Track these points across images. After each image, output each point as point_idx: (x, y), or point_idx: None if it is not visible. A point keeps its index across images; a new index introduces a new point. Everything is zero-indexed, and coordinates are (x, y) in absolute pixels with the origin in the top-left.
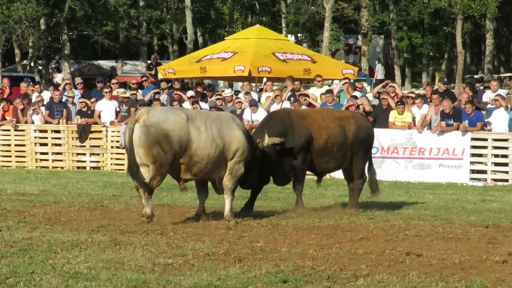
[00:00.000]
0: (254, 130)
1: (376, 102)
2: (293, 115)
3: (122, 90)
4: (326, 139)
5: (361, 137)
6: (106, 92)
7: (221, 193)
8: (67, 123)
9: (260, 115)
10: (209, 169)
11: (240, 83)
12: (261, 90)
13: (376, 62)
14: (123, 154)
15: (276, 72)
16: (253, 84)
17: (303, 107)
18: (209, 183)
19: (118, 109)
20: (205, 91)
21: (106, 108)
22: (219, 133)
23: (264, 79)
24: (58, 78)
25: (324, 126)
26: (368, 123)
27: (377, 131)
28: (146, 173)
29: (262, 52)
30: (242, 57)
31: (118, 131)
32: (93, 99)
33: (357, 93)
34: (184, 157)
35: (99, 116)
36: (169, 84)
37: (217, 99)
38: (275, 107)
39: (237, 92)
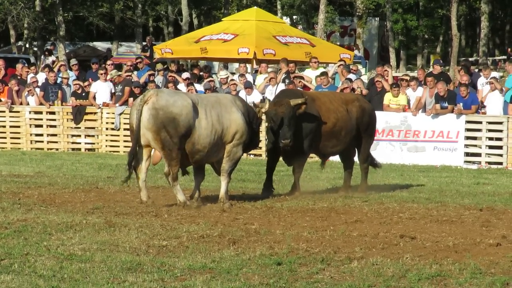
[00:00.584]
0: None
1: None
2: (308, 98)
3: (115, 71)
4: (334, 122)
5: (366, 120)
6: (101, 74)
7: (218, 174)
8: (62, 105)
9: (254, 98)
10: (209, 155)
11: (235, 65)
12: (256, 72)
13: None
14: (118, 136)
15: (280, 54)
16: (248, 66)
17: (298, 89)
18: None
19: (113, 91)
20: (201, 73)
21: (101, 89)
22: (218, 119)
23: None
24: (48, 61)
25: (333, 109)
26: (370, 106)
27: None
28: (146, 154)
29: (264, 35)
30: (244, 39)
31: (113, 113)
32: (87, 83)
33: (351, 76)
34: (187, 144)
35: (94, 98)
36: (165, 66)
37: (211, 81)
38: (270, 89)
39: (232, 74)
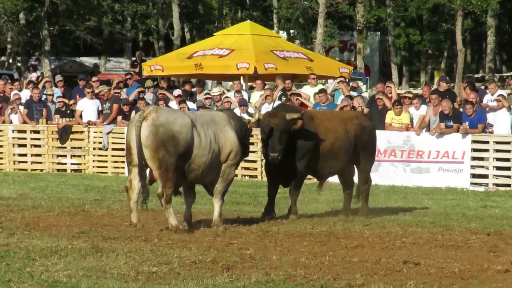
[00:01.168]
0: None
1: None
2: (306, 118)
3: (103, 86)
4: (333, 142)
5: (365, 138)
6: (88, 92)
7: (211, 194)
8: (47, 123)
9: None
10: (204, 175)
11: (229, 83)
12: (251, 88)
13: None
14: (106, 156)
15: (281, 69)
16: (243, 84)
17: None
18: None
19: (100, 108)
20: (193, 89)
21: (87, 107)
22: (215, 137)
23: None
24: (33, 77)
25: (331, 129)
26: (371, 124)
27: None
28: (140, 173)
29: (262, 49)
30: (242, 54)
31: (101, 132)
32: (73, 100)
33: (352, 93)
34: (183, 161)
35: (81, 116)
36: (155, 83)
37: (206, 98)
38: (266, 107)
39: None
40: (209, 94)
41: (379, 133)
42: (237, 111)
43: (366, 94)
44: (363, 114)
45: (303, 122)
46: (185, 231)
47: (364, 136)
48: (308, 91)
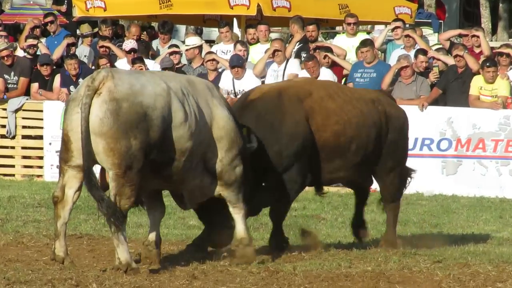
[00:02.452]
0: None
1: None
2: (285, 97)
3: (3, 44)
4: (337, 130)
5: (393, 137)
6: None
7: (187, 208)
8: None
9: (247, 83)
10: (186, 172)
11: (214, 30)
12: (250, 42)
13: None
14: (12, 148)
15: (298, 9)
16: (237, 30)
17: (323, 70)
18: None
19: None
20: (154, 40)
21: None
22: (199, 111)
23: None
24: None
25: (334, 110)
26: (401, 111)
27: (449, 112)
28: (78, 179)
29: None
30: None
31: (4, 110)
32: None
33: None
34: (157, 152)
35: None
36: (94, 30)
37: (172, 53)
38: (274, 69)
39: (209, 44)
40: (177, 47)
41: (459, 112)
42: (227, 74)
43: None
44: (390, 94)
45: (286, 107)
46: (139, 270)
47: (391, 133)
48: (344, 43)
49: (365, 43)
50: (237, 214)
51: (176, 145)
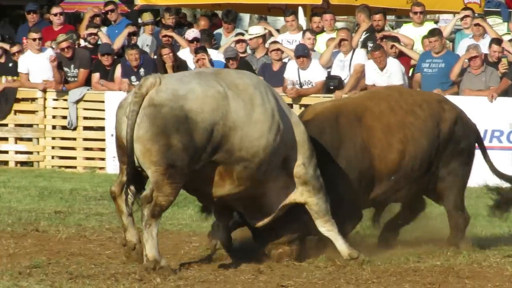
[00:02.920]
0: None
1: None
2: (344, 121)
3: (62, 35)
4: (401, 149)
5: (460, 146)
6: (35, 39)
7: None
8: None
9: (313, 73)
10: (263, 173)
11: (279, 19)
12: (313, 31)
13: None
14: (74, 140)
15: None
16: (302, 20)
17: (390, 60)
18: None
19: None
20: (218, 30)
21: (35, 65)
22: (279, 108)
23: None
24: None
25: (396, 125)
26: (466, 116)
27: None
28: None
29: None
30: None
31: (65, 100)
32: (16, 47)
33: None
34: (219, 152)
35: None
36: (156, 18)
37: (238, 42)
38: (340, 59)
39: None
40: (242, 35)
41: None
42: (292, 65)
43: (507, 38)
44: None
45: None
46: (169, 269)
47: (457, 142)
48: (411, 32)
49: (434, 32)
50: (331, 231)
51: (243, 144)
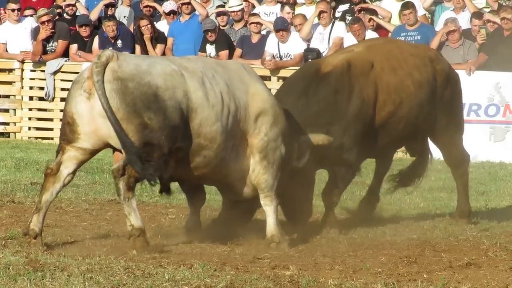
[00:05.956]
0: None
1: None
2: (354, 70)
3: (44, 10)
4: (391, 111)
5: (450, 95)
6: (13, 10)
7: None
8: None
9: (292, 46)
10: (221, 159)
11: None
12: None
13: None
14: (51, 111)
15: None
16: None
17: (369, 33)
18: None
19: (34, 32)
20: None
21: (13, 36)
22: (228, 89)
23: None
24: None
25: (395, 85)
26: (454, 70)
27: (497, 77)
28: (76, 161)
29: None
30: None
31: (42, 71)
32: None
33: (462, 14)
34: (182, 137)
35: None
36: None
37: (221, 14)
38: (319, 32)
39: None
40: (222, 7)
41: (508, 77)
42: (272, 39)
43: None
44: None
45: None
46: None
47: (448, 90)
48: (392, 6)
49: (407, 5)
50: (268, 206)
51: (202, 129)
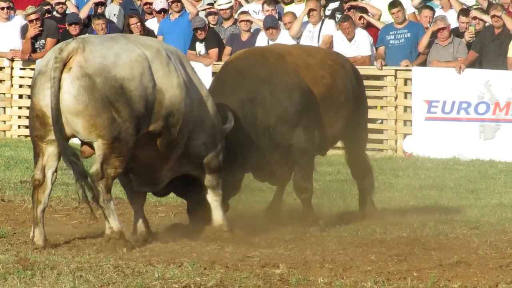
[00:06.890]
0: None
1: None
2: (270, 56)
3: (32, 8)
4: (326, 83)
5: (362, 97)
6: (3, 8)
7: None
8: None
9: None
10: (184, 133)
11: None
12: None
13: None
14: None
15: None
16: None
17: (359, 30)
18: None
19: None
20: None
21: (2, 34)
22: (186, 76)
23: None
24: None
25: (316, 65)
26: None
27: (487, 74)
28: (56, 157)
29: None
30: None
31: (32, 69)
32: None
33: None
34: (155, 122)
35: None
36: None
37: (209, 14)
38: (309, 30)
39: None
40: (212, 6)
41: (496, 75)
42: (262, 36)
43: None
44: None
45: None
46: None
47: (361, 94)
48: (381, 3)
49: (395, 3)
50: (215, 201)
51: (172, 107)
